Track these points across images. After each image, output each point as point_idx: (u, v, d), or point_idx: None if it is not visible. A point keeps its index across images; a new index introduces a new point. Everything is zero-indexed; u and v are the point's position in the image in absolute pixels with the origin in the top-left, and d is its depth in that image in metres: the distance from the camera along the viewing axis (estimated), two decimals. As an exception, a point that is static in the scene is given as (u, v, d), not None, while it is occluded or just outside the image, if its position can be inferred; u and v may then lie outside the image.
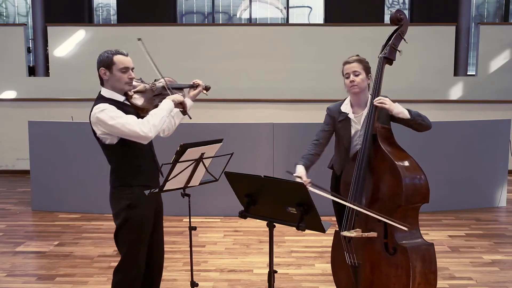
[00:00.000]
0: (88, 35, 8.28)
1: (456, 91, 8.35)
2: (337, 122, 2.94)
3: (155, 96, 2.71)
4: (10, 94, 8.23)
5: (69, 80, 8.12)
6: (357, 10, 9.79)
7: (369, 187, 2.67)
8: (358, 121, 2.86)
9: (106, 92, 2.60)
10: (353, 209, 2.69)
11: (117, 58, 2.54)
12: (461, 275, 3.80)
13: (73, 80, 8.10)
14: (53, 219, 5.37)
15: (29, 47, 9.10)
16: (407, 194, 2.53)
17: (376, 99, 2.68)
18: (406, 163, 2.60)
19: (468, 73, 8.99)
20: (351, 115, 2.88)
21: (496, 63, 8.25)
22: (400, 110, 2.68)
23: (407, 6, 10.47)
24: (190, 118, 2.82)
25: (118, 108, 2.53)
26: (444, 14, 9.44)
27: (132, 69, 2.61)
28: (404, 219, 2.57)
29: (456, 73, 8.56)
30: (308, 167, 2.92)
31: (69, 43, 8.23)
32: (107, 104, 2.52)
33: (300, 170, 2.86)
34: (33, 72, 8.91)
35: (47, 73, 8.71)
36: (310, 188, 2.66)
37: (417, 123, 2.73)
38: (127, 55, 2.61)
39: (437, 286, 3.55)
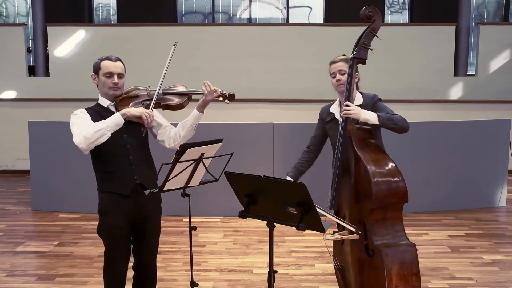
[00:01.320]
0: (88, 35, 8.28)
1: (456, 91, 8.35)
2: (325, 123, 2.93)
3: (145, 101, 2.66)
4: (10, 94, 8.23)
5: (69, 80, 8.12)
6: (357, 10, 9.67)
7: (350, 189, 2.66)
8: None
9: (100, 97, 2.69)
10: (342, 211, 2.73)
11: (103, 63, 2.62)
12: (461, 275, 3.79)
13: (73, 80, 8.10)
14: (53, 219, 5.37)
15: (29, 47, 9.10)
16: (377, 196, 2.49)
17: (342, 109, 2.65)
18: (378, 165, 2.55)
19: (468, 73, 8.99)
20: (337, 116, 2.85)
21: (496, 63, 8.26)
22: (367, 117, 2.63)
23: (407, 6, 10.46)
24: (142, 136, 2.67)
25: (99, 113, 2.59)
26: (444, 14, 9.44)
27: (120, 75, 2.62)
28: (383, 220, 2.54)
29: (456, 73, 8.56)
30: (298, 177, 2.92)
31: (69, 43, 8.23)
32: (83, 110, 2.61)
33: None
34: (33, 72, 8.92)
35: (47, 73, 8.72)
36: None
37: (389, 127, 2.67)
38: (115, 61, 2.62)
39: (437, 286, 3.57)
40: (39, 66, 8.83)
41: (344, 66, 2.77)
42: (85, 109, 2.63)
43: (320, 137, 2.98)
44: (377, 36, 2.73)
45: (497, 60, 8.25)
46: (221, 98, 2.64)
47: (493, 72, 8.27)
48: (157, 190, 2.48)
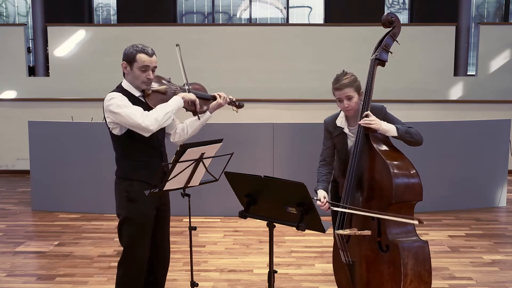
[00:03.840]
0: (88, 35, 8.28)
1: (456, 91, 8.35)
2: (333, 137, 2.94)
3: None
4: (10, 94, 8.23)
5: (69, 80, 8.12)
6: (357, 10, 9.79)
7: (365, 186, 2.70)
8: (353, 133, 2.86)
9: (126, 84, 2.65)
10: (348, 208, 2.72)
11: (139, 56, 2.56)
12: (461, 275, 3.80)
13: (73, 80, 8.10)
14: (53, 219, 5.36)
15: (29, 47, 9.09)
16: (397, 192, 2.54)
17: (361, 120, 2.69)
18: (397, 162, 2.62)
19: (468, 73, 8.99)
20: (346, 130, 2.88)
21: (496, 63, 8.25)
22: (387, 129, 2.68)
23: (407, 6, 10.47)
24: (199, 119, 2.82)
25: (130, 101, 2.57)
26: (444, 14, 9.44)
27: (154, 68, 2.61)
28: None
29: (456, 73, 8.55)
30: (327, 188, 2.94)
31: (69, 43, 8.23)
32: (119, 93, 2.57)
33: (321, 193, 2.86)
34: (33, 72, 8.91)
35: (47, 73, 8.71)
36: (332, 208, 2.73)
37: (405, 140, 2.75)
38: (151, 55, 2.59)
39: (437, 286, 3.57)
40: (39, 66, 8.82)
41: (350, 91, 2.75)
42: (119, 92, 2.60)
43: (332, 149, 2.99)
44: (397, 41, 2.83)
45: (497, 60, 8.24)
46: (235, 108, 2.95)
47: (493, 72, 8.26)
48: (157, 190, 2.48)
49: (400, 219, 2.49)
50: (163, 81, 2.79)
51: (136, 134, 2.55)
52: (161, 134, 2.70)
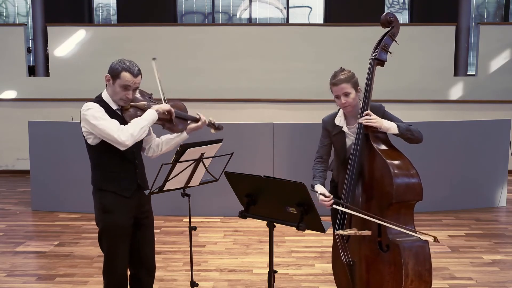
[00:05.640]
0: (88, 35, 8.28)
1: (456, 91, 8.35)
2: (332, 136, 2.94)
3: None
4: (10, 94, 8.23)
5: (69, 80, 8.12)
6: (357, 10, 9.79)
7: (365, 186, 2.69)
8: (353, 132, 2.86)
9: (105, 95, 2.63)
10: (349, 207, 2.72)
11: (124, 74, 2.52)
12: (461, 275, 3.80)
13: (73, 80, 8.10)
14: (53, 219, 5.37)
15: (29, 47, 9.09)
16: (397, 192, 2.55)
17: (362, 118, 2.68)
18: (397, 161, 2.62)
19: (468, 73, 8.99)
20: (345, 129, 2.88)
21: (496, 63, 8.25)
22: (388, 126, 2.69)
23: (407, 6, 10.47)
24: (164, 128, 2.78)
25: (107, 113, 2.55)
26: (444, 14, 9.44)
27: (135, 88, 2.59)
28: (397, 216, 2.59)
29: (456, 73, 8.55)
30: (324, 184, 2.95)
31: (69, 43, 8.22)
32: (97, 104, 2.55)
33: (321, 189, 2.85)
34: (33, 72, 8.91)
35: (47, 73, 8.71)
36: (335, 206, 2.69)
37: (405, 138, 2.76)
38: (136, 76, 2.55)
39: (437, 286, 3.57)
40: (39, 66, 8.83)
41: (347, 87, 2.74)
42: (96, 103, 2.58)
43: (329, 146, 3.00)
44: (396, 41, 2.83)
45: (497, 60, 8.24)
46: (213, 130, 2.94)
47: (493, 72, 8.26)
48: (157, 190, 2.48)
49: (413, 233, 2.46)
50: (145, 96, 2.75)
51: (111, 146, 2.52)
52: (136, 147, 2.65)
